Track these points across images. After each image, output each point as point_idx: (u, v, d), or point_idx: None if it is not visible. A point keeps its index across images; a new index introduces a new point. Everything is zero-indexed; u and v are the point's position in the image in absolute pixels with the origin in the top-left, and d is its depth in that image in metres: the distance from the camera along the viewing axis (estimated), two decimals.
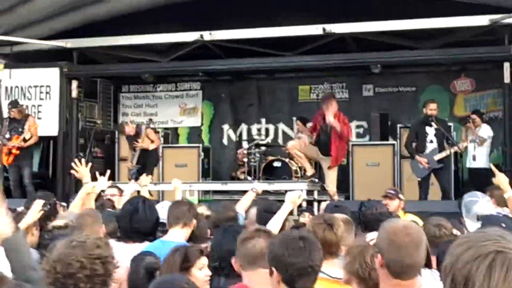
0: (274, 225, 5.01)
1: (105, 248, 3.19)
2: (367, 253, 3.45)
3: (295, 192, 5.69)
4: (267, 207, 5.61)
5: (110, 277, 3.17)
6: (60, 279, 3.11)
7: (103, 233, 5.31)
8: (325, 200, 10.83)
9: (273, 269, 3.32)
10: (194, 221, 5.46)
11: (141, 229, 5.42)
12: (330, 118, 11.60)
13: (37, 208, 5.51)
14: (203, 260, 4.32)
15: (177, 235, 5.34)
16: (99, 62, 14.80)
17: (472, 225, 5.83)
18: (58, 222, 5.57)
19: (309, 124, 13.24)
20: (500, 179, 5.80)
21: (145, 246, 5.21)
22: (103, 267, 3.13)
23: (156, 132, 13.65)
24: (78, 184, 12.47)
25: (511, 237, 1.84)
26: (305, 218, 7.39)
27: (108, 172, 7.12)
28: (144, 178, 7.63)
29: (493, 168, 6.01)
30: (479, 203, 6.03)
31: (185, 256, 4.24)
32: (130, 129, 13.33)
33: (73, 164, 6.89)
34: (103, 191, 7.64)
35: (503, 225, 5.28)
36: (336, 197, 11.67)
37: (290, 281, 3.29)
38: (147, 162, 12.59)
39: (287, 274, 3.29)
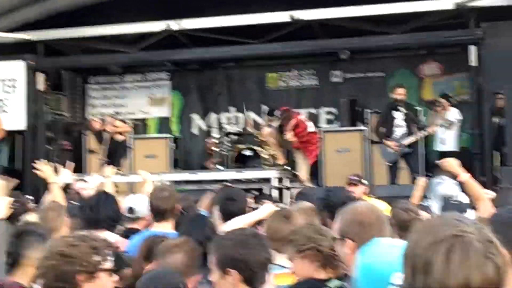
0: (237, 224, 4.87)
1: (79, 249, 3.14)
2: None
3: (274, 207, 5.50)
4: (227, 194, 5.54)
5: (75, 277, 3.12)
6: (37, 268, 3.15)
7: (67, 226, 5.25)
8: (296, 188, 10.84)
9: (230, 270, 3.24)
10: (179, 206, 5.47)
11: (103, 218, 5.39)
12: (287, 136, 11.67)
13: (6, 204, 5.44)
14: None
15: (166, 226, 5.32)
16: (65, 54, 14.64)
17: (437, 207, 5.84)
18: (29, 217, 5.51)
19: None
20: (448, 163, 5.52)
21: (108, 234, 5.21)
22: (63, 265, 3.09)
23: (125, 122, 13.50)
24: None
25: (470, 221, 1.83)
26: None
27: (70, 164, 7.05)
28: (108, 169, 7.49)
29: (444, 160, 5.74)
30: (444, 184, 6.03)
31: (149, 247, 4.22)
32: (96, 123, 13.13)
33: (34, 165, 6.79)
34: (69, 184, 7.58)
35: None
36: (308, 184, 11.67)
37: (251, 278, 3.25)
38: (116, 154, 12.47)
39: (249, 273, 3.24)
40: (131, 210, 5.95)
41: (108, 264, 3.19)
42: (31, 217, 5.39)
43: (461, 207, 5.29)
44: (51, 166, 6.69)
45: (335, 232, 3.21)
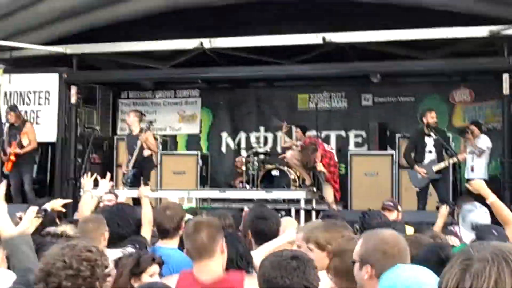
0: (266, 250, 4.83)
1: (96, 253, 3.19)
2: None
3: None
4: (259, 213, 5.50)
5: (97, 281, 3.16)
6: (44, 278, 3.12)
7: (105, 239, 5.27)
8: (323, 210, 10.82)
9: None
10: (183, 224, 5.47)
11: (121, 233, 5.39)
12: (319, 167, 11.56)
13: (31, 215, 5.46)
14: (154, 268, 4.35)
15: (171, 242, 5.35)
16: (99, 68, 14.79)
17: (466, 235, 5.81)
18: (55, 229, 5.51)
19: (309, 133, 13.26)
20: (477, 184, 5.63)
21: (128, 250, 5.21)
22: (90, 269, 3.12)
23: (155, 138, 13.52)
24: (75, 190, 12.51)
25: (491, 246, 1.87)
26: None
27: (108, 175, 7.12)
28: (144, 189, 7.38)
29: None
30: (475, 212, 6.01)
31: (137, 262, 4.28)
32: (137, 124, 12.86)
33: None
34: (101, 197, 7.62)
35: (495, 232, 5.26)
36: (334, 207, 11.63)
37: None
38: (143, 168, 12.49)
39: None
40: None
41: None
42: (64, 227, 5.41)
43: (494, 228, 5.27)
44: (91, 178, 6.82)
45: (356, 255, 3.21)
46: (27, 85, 13.80)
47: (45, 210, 5.83)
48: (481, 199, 6.74)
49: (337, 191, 12.08)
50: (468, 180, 12.43)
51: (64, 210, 6.58)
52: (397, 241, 3.18)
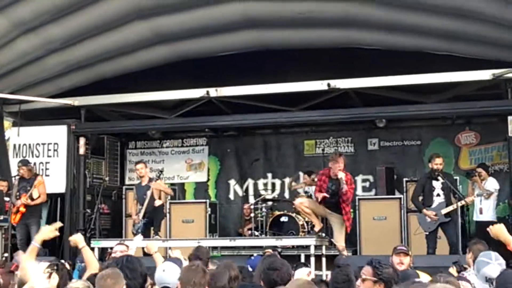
0: None
1: None
2: None
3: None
4: (270, 264, 5.52)
5: None
6: None
7: None
8: (333, 255, 10.81)
9: None
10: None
11: (130, 286, 5.31)
12: (340, 174, 11.45)
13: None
14: None
15: None
16: (106, 119, 14.90)
17: (480, 285, 5.78)
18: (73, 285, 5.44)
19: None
20: (498, 230, 5.62)
21: None
22: None
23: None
24: (85, 241, 12.53)
25: None
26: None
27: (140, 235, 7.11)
28: (152, 245, 7.27)
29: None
30: (490, 266, 5.98)
31: None
32: (145, 174, 12.99)
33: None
34: (111, 248, 7.65)
35: None
36: (345, 253, 11.57)
37: None
38: (154, 218, 12.53)
39: None
40: None
41: None
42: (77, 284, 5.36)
43: None
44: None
45: None
46: (36, 138, 13.94)
47: (57, 265, 5.82)
48: (494, 241, 6.79)
49: (348, 220, 11.71)
50: (477, 222, 12.51)
51: (58, 233, 6.44)
52: None
